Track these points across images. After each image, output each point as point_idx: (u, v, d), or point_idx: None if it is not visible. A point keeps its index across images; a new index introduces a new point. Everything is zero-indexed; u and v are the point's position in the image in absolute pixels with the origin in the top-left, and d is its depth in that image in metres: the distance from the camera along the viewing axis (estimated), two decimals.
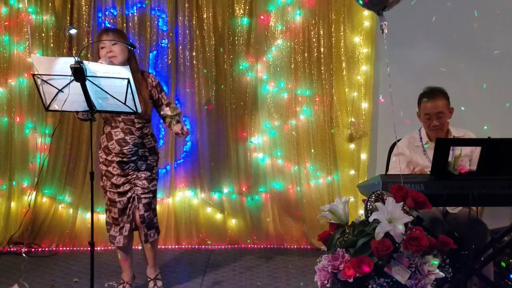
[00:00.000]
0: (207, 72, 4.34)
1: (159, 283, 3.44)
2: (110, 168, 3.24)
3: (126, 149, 3.20)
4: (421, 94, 3.24)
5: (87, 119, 2.88)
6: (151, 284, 3.42)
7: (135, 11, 4.29)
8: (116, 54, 3.12)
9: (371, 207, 2.28)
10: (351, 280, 2.11)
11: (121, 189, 3.23)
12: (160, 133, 4.31)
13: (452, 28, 4.24)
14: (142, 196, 3.25)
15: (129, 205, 3.25)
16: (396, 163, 3.20)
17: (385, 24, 2.58)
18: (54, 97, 2.75)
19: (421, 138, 3.25)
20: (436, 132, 3.17)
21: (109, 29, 3.32)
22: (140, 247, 3.51)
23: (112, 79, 2.68)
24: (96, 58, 3.37)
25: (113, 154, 3.21)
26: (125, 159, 3.21)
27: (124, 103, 2.75)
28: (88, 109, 2.77)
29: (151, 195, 3.30)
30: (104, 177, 3.27)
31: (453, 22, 4.23)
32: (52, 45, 4.27)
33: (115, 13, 4.28)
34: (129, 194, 3.24)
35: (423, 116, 3.20)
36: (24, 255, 3.70)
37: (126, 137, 3.20)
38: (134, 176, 3.24)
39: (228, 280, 3.68)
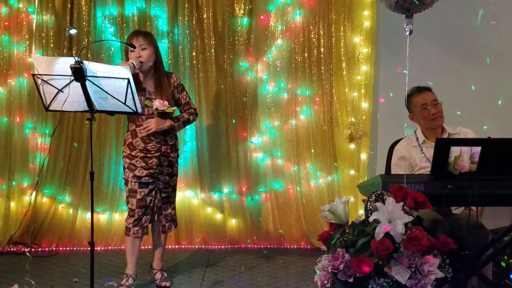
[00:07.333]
0: (207, 72, 4.34)
1: (165, 274, 3.56)
2: (133, 161, 3.34)
3: (150, 146, 3.32)
4: (409, 93, 3.27)
5: None
6: (158, 275, 3.53)
7: (135, 11, 4.29)
8: (143, 59, 3.25)
9: (371, 207, 2.27)
10: (351, 280, 2.11)
11: (142, 180, 3.32)
12: None
13: (453, 28, 4.25)
14: (163, 190, 3.42)
15: (150, 198, 3.35)
16: (398, 171, 3.20)
17: (410, 26, 2.60)
18: (54, 97, 2.75)
19: (417, 138, 3.26)
20: (437, 120, 3.18)
21: (139, 33, 3.36)
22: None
23: (112, 79, 2.68)
24: (124, 57, 3.56)
25: (138, 150, 3.33)
26: (148, 155, 3.32)
27: (124, 103, 2.75)
28: (88, 109, 2.78)
29: (170, 190, 3.48)
30: (127, 170, 3.37)
31: (453, 21, 4.24)
32: (52, 45, 4.27)
33: (115, 13, 4.29)
34: (150, 187, 3.35)
35: (420, 108, 3.20)
36: None
37: (150, 135, 3.30)
38: (157, 171, 3.35)
39: (228, 280, 3.68)
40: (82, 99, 2.73)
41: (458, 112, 4.09)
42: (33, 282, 3.39)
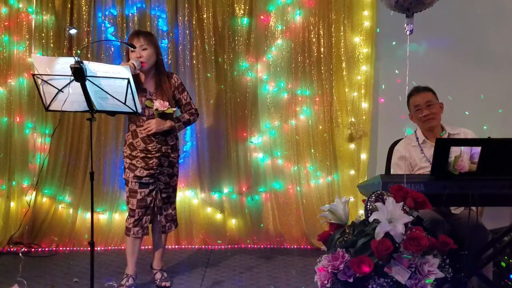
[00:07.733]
0: (207, 72, 4.34)
1: (165, 274, 3.57)
2: (134, 161, 3.33)
3: (151, 146, 3.31)
4: (409, 93, 3.32)
5: None
6: (158, 275, 3.53)
7: (135, 11, 4.29)
8: (144, 59, 3.24)
9: (371, 207, 2.27)
10: (351, 280, 2.11)
11: (143, 181, 3.32)
12: None
13: (454, 29, 4.24)
14: (163, 190, 3.41)
15: (150, 198, 3.35)
16: (398, 171, 3.21)
17: (410, 25, 2.60)
18: (54, 97, 2.75)
19: (417, 138, 3.28)
20: (429, 122, 3.21)
21: (140, 33, 3.35)
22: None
23: (112, 79, 2.68)
24: (124, 57, 3.57)
25: (138, 150, 3.32)
26: (149, 155, 3.31)
27: (124, 103, 2.75)
28: (88, 109, 2.78)
29: (170, 190, 3.48)
30: (127, 170, 3.36)
31: (453, 21, 4.24)
32: (52, 45, 4.27)
33: (115, 13, 4.29)
34: (151, 187, 3.35)
35: (414, 109, 3.27)
36: None
37: (151, 135, 3.30)
38: (158, 171, 3.35)
39: (228, 280, 3.68)
40: (82, 99, 2.73)
41: (466, 113, 4.10)
42: (25, 282, 3.38)
